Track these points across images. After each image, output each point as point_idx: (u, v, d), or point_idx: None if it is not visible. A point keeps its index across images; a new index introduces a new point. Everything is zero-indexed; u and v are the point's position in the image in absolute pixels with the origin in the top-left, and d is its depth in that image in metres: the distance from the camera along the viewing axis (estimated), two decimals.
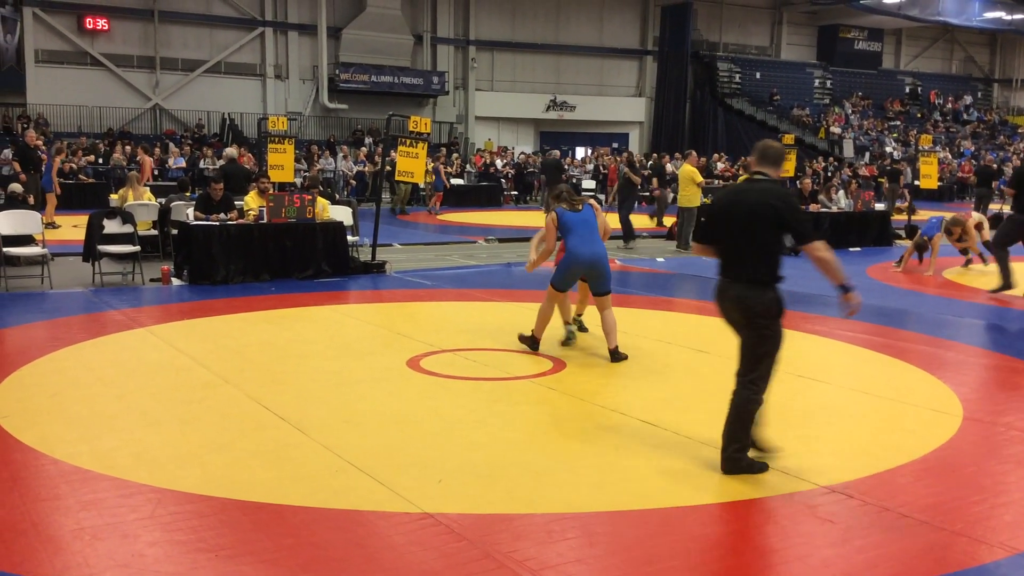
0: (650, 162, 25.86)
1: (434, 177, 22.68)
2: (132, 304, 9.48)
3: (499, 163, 29.86)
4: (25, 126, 26.52)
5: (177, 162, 24.65)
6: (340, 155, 26.84)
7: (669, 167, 30.64)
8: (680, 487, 4.51)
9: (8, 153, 22.96)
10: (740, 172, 23.66)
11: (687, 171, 15.75)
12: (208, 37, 31.12)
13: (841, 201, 17.35)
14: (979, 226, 13.08)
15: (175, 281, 10.87)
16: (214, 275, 10.79)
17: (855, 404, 6.19)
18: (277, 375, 6.65)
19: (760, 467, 4.70)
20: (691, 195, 15.64)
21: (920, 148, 19.80)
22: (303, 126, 31.71)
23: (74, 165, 22.77)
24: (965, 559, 3.78)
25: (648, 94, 38.78)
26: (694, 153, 16.81)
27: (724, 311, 4.81)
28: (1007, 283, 10.71)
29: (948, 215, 13.25)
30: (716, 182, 20.82)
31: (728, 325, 4.83)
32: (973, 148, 38.89)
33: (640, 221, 18.78)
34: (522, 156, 30.86)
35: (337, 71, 32.07)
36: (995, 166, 26.04)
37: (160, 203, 13.08)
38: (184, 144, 26.92)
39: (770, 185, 4.75)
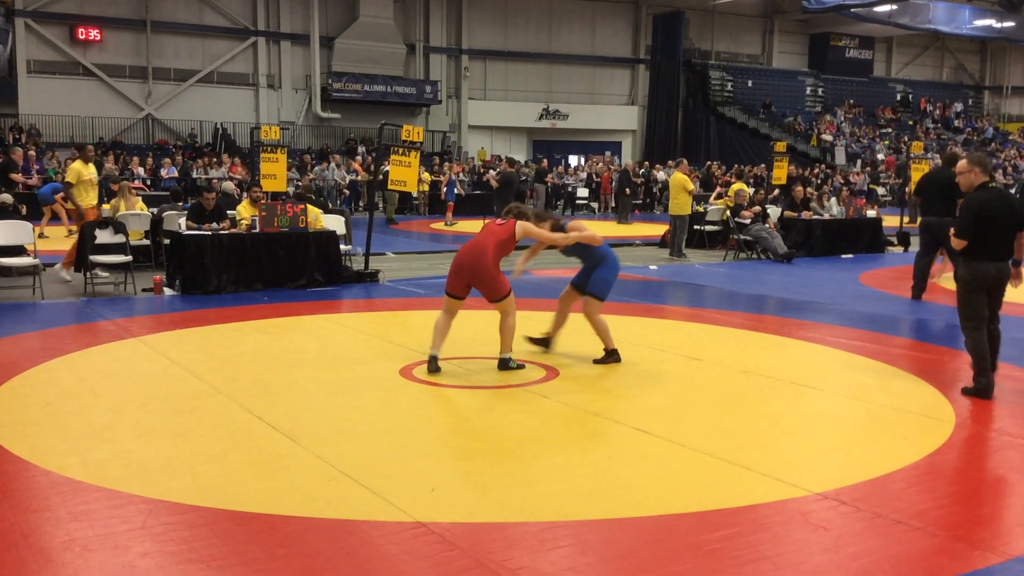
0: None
1: (428, 187, 22.71)
2: (124, 314, 9.45)
3: (492, 172, 29.88)
4: (17, 137, 26.51)
5: (170, 172, 24.63)
6: (332, 164, 26.85)
7: (661, 175, 30.83)
8: (673, 495, 4.51)
9: None
10: (733, 180, 23.70)
11: (679, 179, 15.81)
12: (200, 47, 31.12)
13: (833, 208, 17.41)
14: None
15: (167, 291, 10.84)
16: (206, 285, 10.77)
17: (848, 411, 6.20)
18: (269, 385, 6.64)
19: None
20: (683, 203, 15.71)
21: (912, 155, 19.88)
22: (296, 136, 31.73)
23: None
24: (958, 565, 3.78)
25: (640, 102, 38.89)
26: (685, 161, 16.91)
27: (1002, 281, 6.56)
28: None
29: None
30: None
31: (986, 291, 6.53)
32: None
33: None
34: (516, 166, 30.90)
35: (330, 80, 32.10)
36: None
37: (152, 213, 13.06)
38: (176, 154, 26.91)
39: (1007, 190, 6.53)
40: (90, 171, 11.86)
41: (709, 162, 30.53)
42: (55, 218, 17.61)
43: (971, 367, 6.58)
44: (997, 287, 6.60)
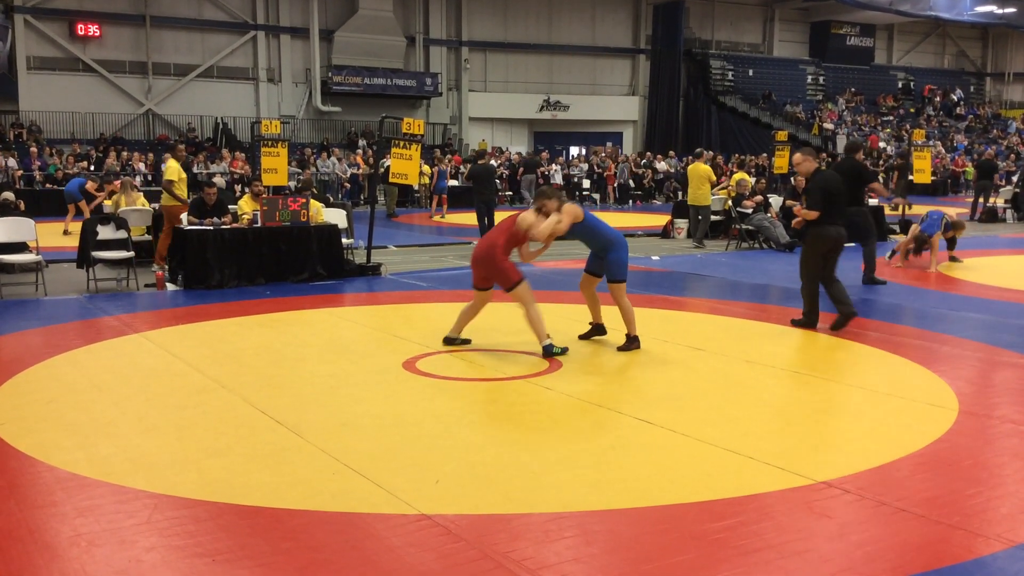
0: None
1: (428, 180, 22.72)
2: (127, 310, 9.46)
3: (493, 163, 29.86)
4: (18, 133, 26.53)
5: None
6: (333, 158, 26.85)
7: (663, 165, 30.77)
8: (677, 484, 4.52)
9: (1, 161, 22.96)
10: (735, 169, 23.70)
11: (703, 170, 15.98)
12: (200, 41, 31.07)
13: None
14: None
15: (170, 286, 10.85)
16: (209, 280, 10.78)
17: (850, 399, 6.20)
18: (273, 379, 6.65)
19: None
20: (705, 193, 15.88)
21: (913, 143, 19.84)
22: (296, 129, 31.68)
23: (68, 171, 22.74)
24: (962, 552, 3.79)
25: (641, 92, 38.79)
26: (707, 153, 17.25)
27: (841, 243, 8.34)
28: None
29: (950, 212, 13.48)
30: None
31: (827, 251, 8.30)
32: (966, 142, 38.96)
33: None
34: (516, 156, 30.89)
35: (330, 74, 32.04)
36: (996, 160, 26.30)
37: (154, 208, 13.07)
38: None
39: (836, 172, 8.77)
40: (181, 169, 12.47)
41: (713, 152, 30.40)
42: (79, 214, 17.67)
43: (804, 307, 8.52)
44: (837, 248, 8.36)
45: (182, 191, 12.03)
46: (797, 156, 8.94)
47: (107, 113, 29.50)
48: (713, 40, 40.42)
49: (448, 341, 7.59)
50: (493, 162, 24.84)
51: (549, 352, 7.16)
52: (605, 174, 28.93)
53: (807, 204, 8.42)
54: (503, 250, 7.26)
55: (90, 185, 17.96)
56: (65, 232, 16.78)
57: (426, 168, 24.29)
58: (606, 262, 7.55)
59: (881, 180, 25.82)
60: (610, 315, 7.72)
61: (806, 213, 8.35)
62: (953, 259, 13.42)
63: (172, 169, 12.10)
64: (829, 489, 4.43)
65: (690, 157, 25.70)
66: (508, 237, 7.31)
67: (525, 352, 7.36)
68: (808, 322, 8.53)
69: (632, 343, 7.53)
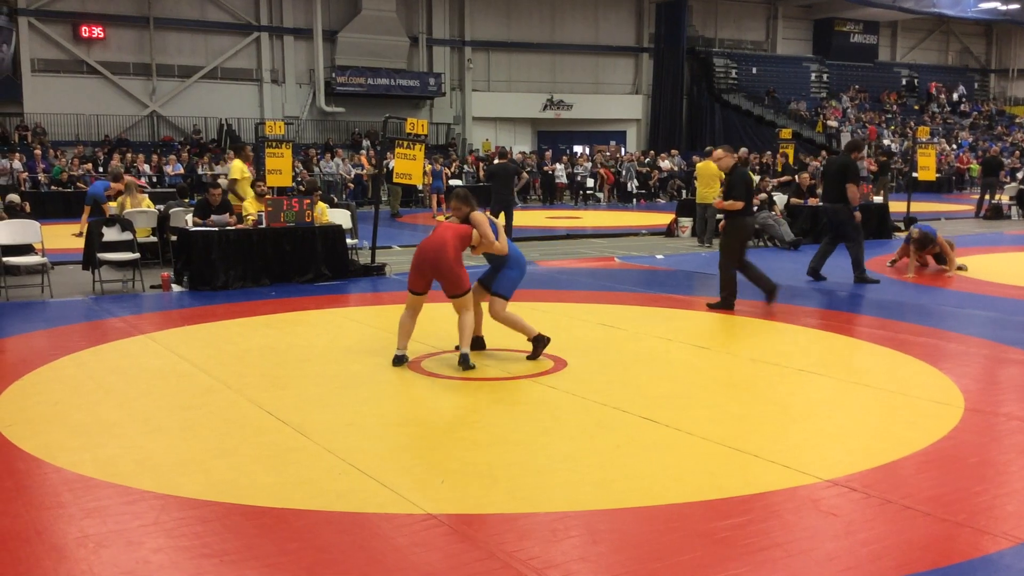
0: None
1: (431, 179, 22.76)
2: (132, 311, 9.49)
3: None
4: (23, 135, 26.61)
5: (175, 168, 24.69)
6: (337, 159, 26.88)
7: (666, 163, 30.72)
8: (682, 483, 4.52)
9: (6, 163, 23.03)
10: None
11: (714, 168, 15.93)
12: (204, 43, 31.10)
13: None
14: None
15: (175, 287, 10.87)
16: (214, 281, 10.80)
17: (856, 397, 6.19)
18: (278, 379, 6.66)
19: None
20: (714, 192, 15.85)
21: (918, 140, 19.80)
22: (300, 130, 31.71)
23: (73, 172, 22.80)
24: (969, 550, 3.78)
25: (645, 91, 38.75)
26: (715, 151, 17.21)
27: (753, 231, 8.79)
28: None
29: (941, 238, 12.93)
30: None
31: (747, 240, 9.38)
32: (971, 139, 38.87)
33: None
34: (519, 156, 30.87)
35: (333, 74, 32.06)
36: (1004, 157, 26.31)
37: (159, 210, 13.09)
38: (182, 151, 26.94)
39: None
40: (248, 169, 12.87)
41: (746, 150, 29.53)
42: (94, 215, 17.59)
43: (723, 290, 9.21)
44: (751, 236, 9.11)
45: (245, 189, 12.40)
46: (718, 152, 9.40)
47: (111, 115, 29.55)
48: (716, 38, 40.36)
49: (398, 360, 7.01)
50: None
51: (465, 361, 6.81)
52: (601, 172, 28.89)
53: (732, 196, 9.06)
54: (457, 252, 6.92)
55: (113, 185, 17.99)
56: (80, 234, 16.68)
57: (428, 167, 24.31)
58: (499, 275, 7.21)
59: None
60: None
61: (731, 204, 9.07)
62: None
63: (235, 168, 12.66)
64: (835, 487, 4.42)
65: (696, 156, 25.61)
66: (459, 242, 6.96)
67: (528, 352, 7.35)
68: (726, 304, 9.24)
69: (539, 344, 7.07)
